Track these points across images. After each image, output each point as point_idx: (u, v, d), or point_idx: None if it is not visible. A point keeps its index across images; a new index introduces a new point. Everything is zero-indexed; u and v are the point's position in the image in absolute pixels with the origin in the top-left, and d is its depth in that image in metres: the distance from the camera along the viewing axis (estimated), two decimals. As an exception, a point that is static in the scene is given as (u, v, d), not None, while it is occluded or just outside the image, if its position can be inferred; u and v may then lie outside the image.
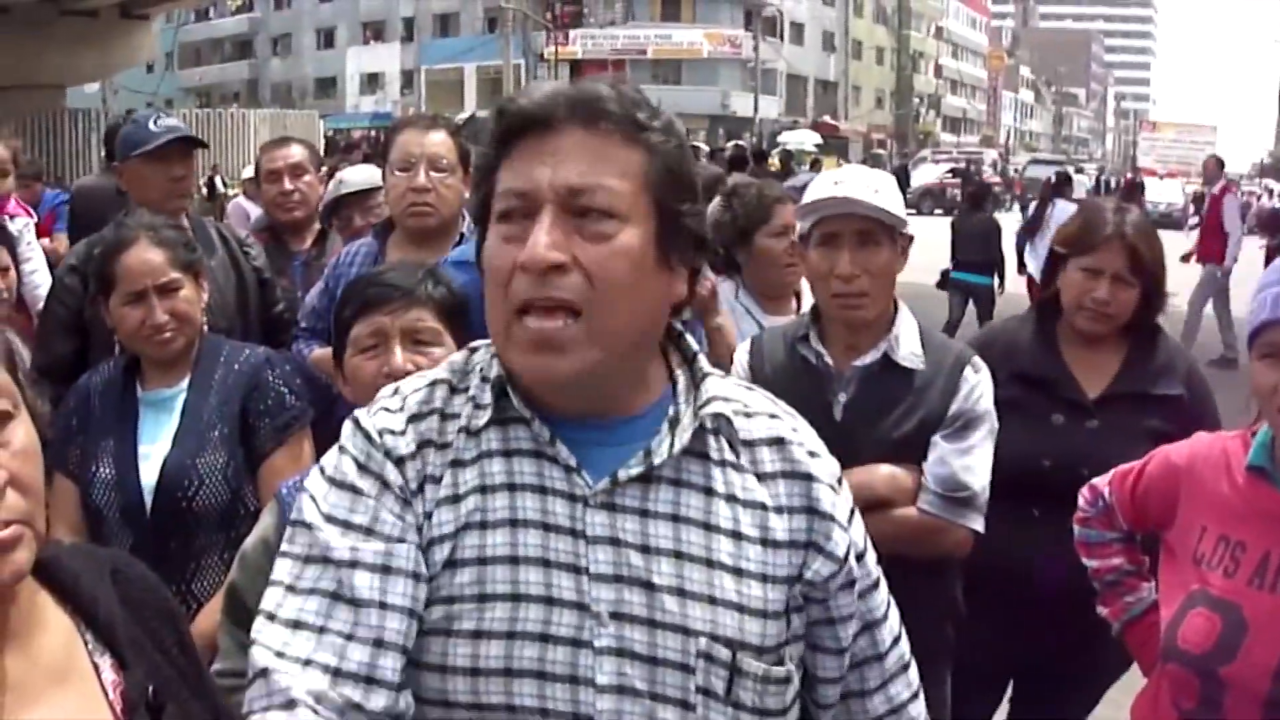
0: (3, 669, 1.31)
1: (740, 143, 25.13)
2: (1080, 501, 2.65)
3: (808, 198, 2.70)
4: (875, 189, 2.61)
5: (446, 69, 61.44)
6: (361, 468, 1.48)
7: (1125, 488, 2.52)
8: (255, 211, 7.53)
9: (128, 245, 2.89)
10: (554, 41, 54.21)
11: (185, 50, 67.28)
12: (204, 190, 19.01)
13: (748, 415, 1.54)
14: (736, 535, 1.49)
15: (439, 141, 3.58)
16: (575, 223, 1.40)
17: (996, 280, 12.33)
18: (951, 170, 46.14)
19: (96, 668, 1.40)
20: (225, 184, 21.45)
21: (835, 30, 73.24)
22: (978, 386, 2.64)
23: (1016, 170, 50.18)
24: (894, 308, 2.73)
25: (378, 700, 1.37)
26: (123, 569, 1.52)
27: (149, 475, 2.79)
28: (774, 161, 22.27)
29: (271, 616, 1.43)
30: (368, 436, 1.49)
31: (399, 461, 1.48)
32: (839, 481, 1.58)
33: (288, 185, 4.70)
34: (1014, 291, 12.26)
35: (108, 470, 2.80)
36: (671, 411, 1.52)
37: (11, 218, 5.57)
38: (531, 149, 1.44)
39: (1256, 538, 2.17)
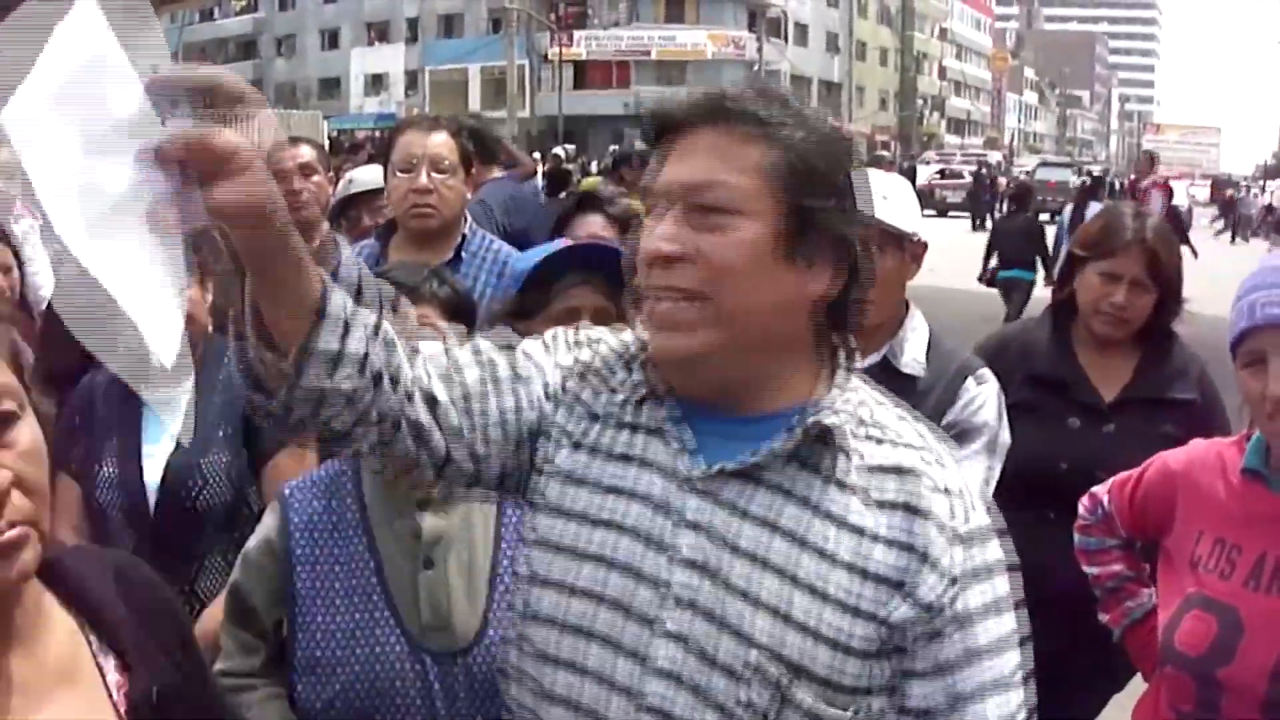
0: (9, 670, 1.30)
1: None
2: (1080, 509, 2.64)
3: None
4: (884, 195, 2.58)
5: (451, 70, 61.47)
6: (546, 342, 1.68)
7: (1124, 495, 2.51)
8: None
9: None
10: (558, 42, 54.22)
11: (189, 50, 67.28)
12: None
13: (894, 444, 1.51)
14: (826, 557, 1.44)
15: (441, 142, 3.59)
16: (696, 217, 1.46)
17: (1042, 274, 12.52)
18: (940, 171, 46.08)
19: (101, 669, 1.40)
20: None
21: (839, 31, 73.24)
22: (978, 398, 2.61)
23: (1026, 173, 50.38)
24: (906, 312, 2.71)
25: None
26: (126, 570, 1.52)
27: (153, 475, 2.79)
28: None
29: None
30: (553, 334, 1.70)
31: (566, 366, 1.64)
32: (977, 532, 1.46)
33: (296, 185, 4.68)
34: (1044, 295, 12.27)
35: (111, 469, 2.80)
36: (798, 418, 1.50)
37: (17, 219, 5.56)
38: (670, 150, 1.52)
39: (1252, 540, 2.18)
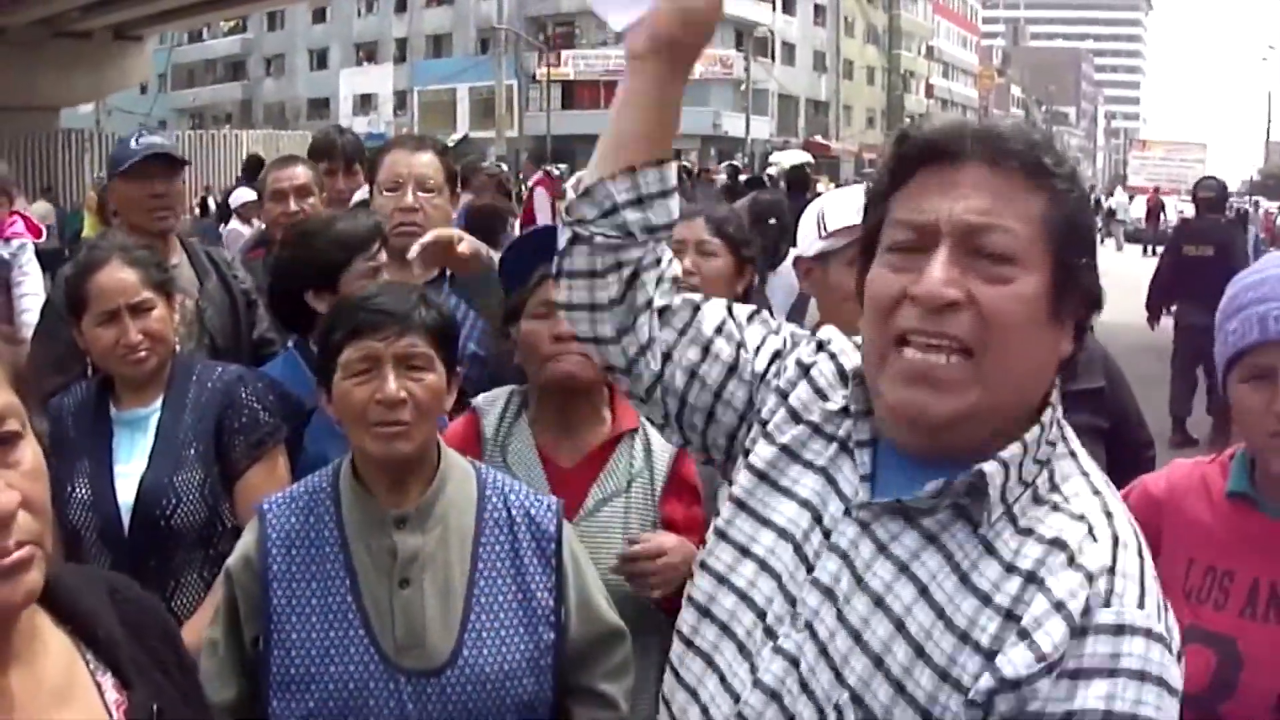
0: (9, 690, 1.30)
1: (733, 163, 25.15)
2: None
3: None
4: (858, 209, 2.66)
5: (439, 90, 61.45)
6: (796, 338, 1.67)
7: None
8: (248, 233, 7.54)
9: (100, 265, 2.87)
10: (546, 62, 54.32)
11: (178, 71, 67.37)
12: (196, 212, 18.97)
13: (1058, 511, 1.38)
14: (942, 616, 1.35)
15: (426, 162, 3.61)
16: (971, 261, 1.36)
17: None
18: None
19: (99, 687, 1.39)
20: (218, 205, 21.45)
21: (826, 50, 73.42)
22: None
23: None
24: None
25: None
26: (121, 590, 1.51)
27: (126, 495, 2.79)
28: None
29: None
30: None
31: (800, 365, 1.61)
32: (1114, 625, 1.30)
33: (293, 206, 4.66)
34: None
35: (84, 490, 2.79)
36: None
37: (7, 240, 5.54)
38: (931, 180, 1.40)
39: (1243, 566, 2.09)
